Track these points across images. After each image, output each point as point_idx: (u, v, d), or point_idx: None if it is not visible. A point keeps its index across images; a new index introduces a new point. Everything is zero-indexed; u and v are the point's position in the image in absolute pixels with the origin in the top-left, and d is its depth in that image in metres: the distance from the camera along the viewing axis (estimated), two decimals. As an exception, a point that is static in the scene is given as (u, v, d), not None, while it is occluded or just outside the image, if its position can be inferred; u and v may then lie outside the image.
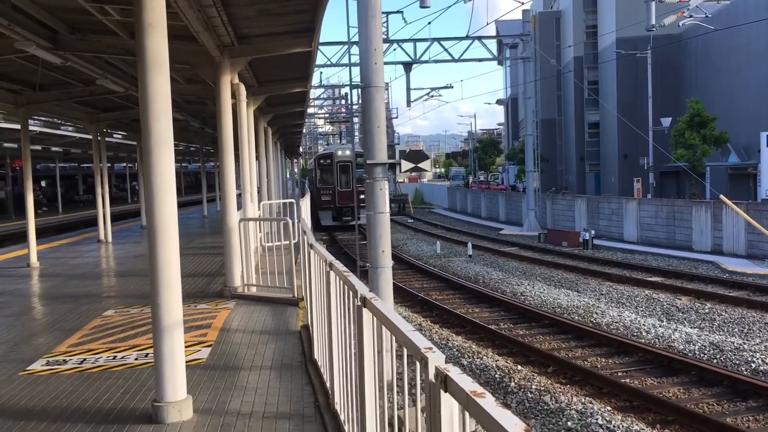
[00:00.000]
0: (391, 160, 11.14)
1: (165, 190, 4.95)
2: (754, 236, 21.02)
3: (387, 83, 43.45)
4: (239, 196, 12.84)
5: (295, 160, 68.96)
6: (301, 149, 67.13)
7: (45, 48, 9.34)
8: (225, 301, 9.86)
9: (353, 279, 3.90)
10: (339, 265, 4.55)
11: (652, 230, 26.59)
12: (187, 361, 5.46)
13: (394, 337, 2.71)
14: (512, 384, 9.96)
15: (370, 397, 3.42)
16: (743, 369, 10.50)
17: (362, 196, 29.27)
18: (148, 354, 6.90)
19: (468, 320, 14.26)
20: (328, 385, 5.38)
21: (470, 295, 17.43)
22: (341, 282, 4.33)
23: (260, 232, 14.23)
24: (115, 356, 7.10)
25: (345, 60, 30.88)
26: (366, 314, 3.33)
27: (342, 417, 4.67)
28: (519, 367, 10.90)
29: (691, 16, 19.85)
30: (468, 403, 1.85)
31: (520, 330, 13.72)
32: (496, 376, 10.41)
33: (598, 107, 59.29)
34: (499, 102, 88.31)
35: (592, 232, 27.17)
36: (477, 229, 38.44)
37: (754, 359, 10.76)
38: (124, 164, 52.16)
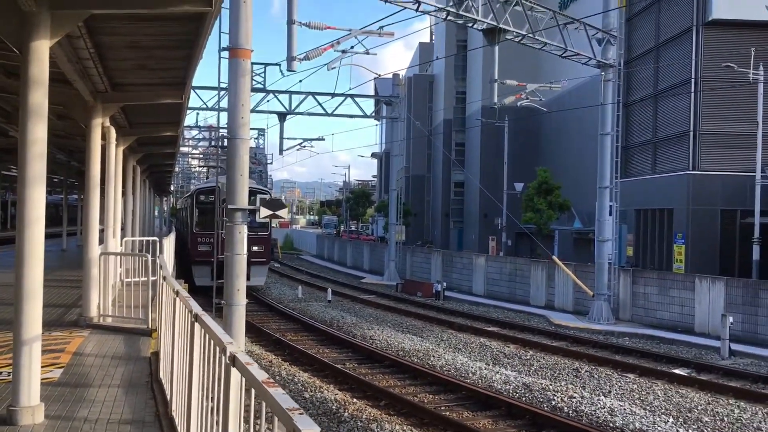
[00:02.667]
0: (251, 207, 12.04)
1: (37, 222, 5.81)
2: (579, 294, 23.65)
3: (263, 129, 44.14)
4: (102, 231, 13.35)
5: (165, 198, 67.85)
6: (172, 187, 66.17)
7: None
8: (80, 329, 10.38)
9: (190, 301, 4.93)
10: (183, 292, 5.56)
11: (497, 285, 29.00)
12: (40, 379, 6.20)
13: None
14: (346, 414, 11.09)
15: (195, 401, 4.46)
16: (545, 405, 12.22)
17: (254, 248, 23.81)
18: (2, 372, 7.45)
19: (316, 359, 15.33)
20: (168, 396, 6.29)
21: (323, 337, 18.52)
22: (184, 307, 5.35)
23: (120, 267, 14.69)
24: (-30, 373, 7.57)
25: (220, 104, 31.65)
26: (197, 328, 4.38)
27: (176, 420, 5.62)
28: (355, 400, 12.06)
29: (527, 98, 22.51)
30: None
31: (363, 369, 14.93)
32: (333, 407, 11.50)
33: (464, 167, 63.19)
34: (373, 155, 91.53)
35: (444, 284, 29.20)
36: (340, 277, 39.72)
37: (555, 398, 12.51)
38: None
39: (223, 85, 14.78)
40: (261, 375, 2.85)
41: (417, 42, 77.46)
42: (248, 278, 23.39)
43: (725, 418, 11.69)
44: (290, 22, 16.79)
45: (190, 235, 26.27)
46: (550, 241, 46.35)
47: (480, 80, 56.56)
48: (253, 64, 30.84)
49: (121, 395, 6.92)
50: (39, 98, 5.85)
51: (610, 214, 24.78)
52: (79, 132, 14.07)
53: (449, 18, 18.44)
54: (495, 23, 18.12)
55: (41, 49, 5.91)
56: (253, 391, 2.95)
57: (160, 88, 11.18)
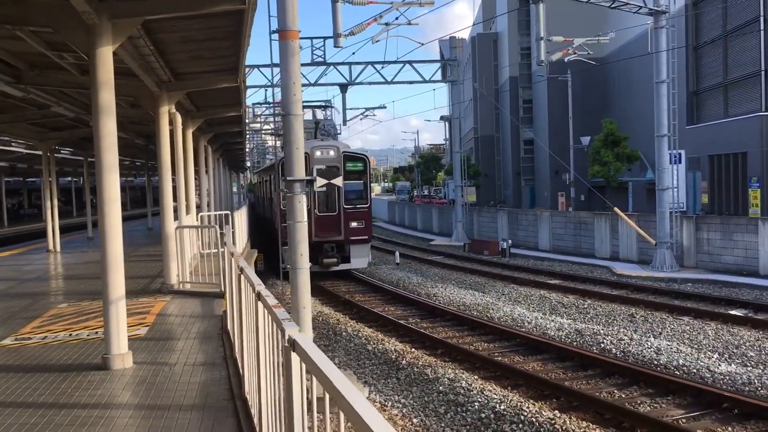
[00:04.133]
0: (309, 177, 12.94)
1: (113, 202, 6.94)
2: (644, 244, 23.77)
3: (329, 101, 45.06)
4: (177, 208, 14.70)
5: (242, 174, 70.43)
6: (248, 164, 68.50)
7: (8, 83, 11.12)
8: (163, 295, 11.72)
9: (250, 273, 5.89)
10: (247, 269, 6.57)
11: (562, 239, 29.30)
12: (129, 336, 7.41)
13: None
14: (403, 362, 12.10)
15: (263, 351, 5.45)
16: (594, 348, 12.85)
17: (353, 224, 21.86)
18: (98, 332, 8.76)
19: (381, 316, 16.38)
20: (235, 344, 7.38)
21: (389, 296, 19.56)
22: (245, 281, 6.37)
23: (198, 240, 16.09)
24: (71, 334, 8.94)
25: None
26: (259, 306, 5.36)
27: (239, 361, 6.69)
28: (413, 350, 13.04)
29: (574, 53, 22.52)
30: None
31: (424, 323, 15.89)
32: (392, 357, 12.52)
33: (533, 125, 62.67)
34: (442, 118, 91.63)
35: (509, 241, 29.74)
36: (410, 240, 40.74)
37: (605, 341, 13.12)
38: (69, 178, 52.91)
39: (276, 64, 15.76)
40: (283, 315, 3.77)
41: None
42: (347, 259, 21.90)
43: (771, 353, 12.04)
44: (334, 0, 17.59)
45: (275, 214, 22.90)
46: (623, 194, 45.86)
47: (546, 34, 55.68)
48: (312, 38, 31.94)
49: (197, 345, 8.09)
50: (107, 97, 6.93)
51: (672, 162, 24.65)
52: (151, 119, 15.43)
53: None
54: (538, -19, 18.33)
55: (106, 55, 6.97)
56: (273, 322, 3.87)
57: (216, 75, 12.24)
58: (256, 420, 5.00)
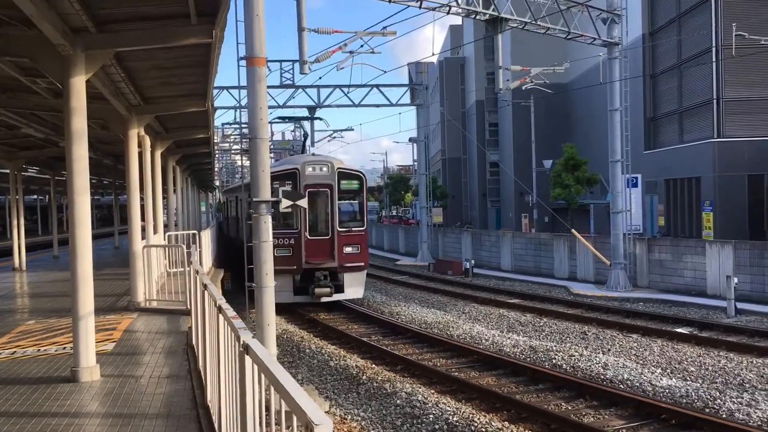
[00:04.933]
0: (274, 198, 13.27)
1: (83, 223, 7.36)
2: (600, 264, 24.62)
3: (299, 122, 45.31)
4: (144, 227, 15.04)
5: (211, 194, 70.41)
6: (218, 183, 68.55)
7: (-21, 105, 11.44)
8: (129, 313, 12.04)
9: (213, 289, 6.36)
10: (210, 285, 7.03)
11: (524, 260, 30.11)
12: (96, 351, 7.78)
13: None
14: (364, 377, 12.56)
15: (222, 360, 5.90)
16: (546, 364, 13.46)
17: (347, 249, 19.13)
18: (65, 347, 9.09)
19: (344, 333, 16.82)
20: (199, 357, 7.80)
21: (353, 315, 19.99)
22: (208, 297, 6.82)
23: (165, 259, 16.40)
24: (39, 350, 9.24)
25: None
26: (220, 319, 5.82)
27: (203, 372, 7.11)
28: (374, 366, 13.51)
29: (531, 81, 23.45)
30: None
31: (386, 340, 16.36)
32: (354, 372, 12.97)
33: (498, 147, 63.96)
34: (411, 140, 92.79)
35: (472, 261, 30.44)
36: (377, 260, 41.21)
37: (557, 357, 13.74)
38: (35, 196, 52.47)
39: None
40: (240, 324, 4.25)
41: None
42: (341, 289, 19.29)
43: (710, 368, 12.77)
44: (300, 29, 18.22)
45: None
46: (586, 216, 47.05)
47: (509, 59, 57.12)
48: (281, 61, 32.46)
49: (162, 359, 8.48)
50: (79, 123, 7.37)
51: (628, 186, 25.62)
52: (121, 140, 15.76)
53: (451, 12, 19.57)
54: (497, 14, 19.20)
55: (79, 83, 7.42)
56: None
57: (185, 99, 12.70)
58: (216, 425, 5.45)
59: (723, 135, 31.11)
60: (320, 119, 35.79)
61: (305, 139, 25.69)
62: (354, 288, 19.80)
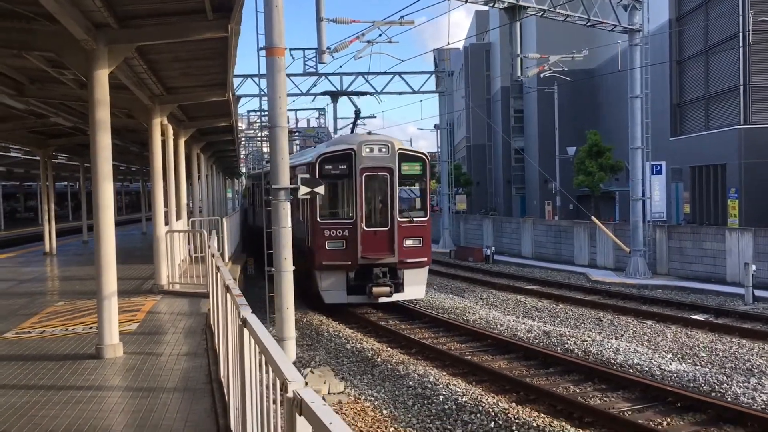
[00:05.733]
0: (293, 185, 13.52)
1: (107, 208, 7.79)
2: (620, 251, 24.67)
3: (323, 109, 45.69)
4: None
5: (237, 180, 71.24)
6: (244, 170, 69.29)
7: (10, 96, 11.94)
8: (153, 295, 12.54)
9: (224, 271, 6.74)
10: (223, 268, 7.41)
11: (544, 247, 30.23)
12: (120, 331, 8.24)
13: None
14: (378, 359, 12.92)
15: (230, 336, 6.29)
16: (558, 348, 13.69)
17: (408, 243, 16.64)
18: (92, 327, 9.56)
19: (362, 318, 17.18)
20: (215, 337, 8.21)
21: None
22: (219, 277, 7.21)
23: (190, 244, 16.91)
24: (67, 329, 9.75)
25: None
26: (227, 298, 6.19)
27: (219, 350, 7.52)
28: (389, 349, 13.86)
29: (549, 70, 23.47)
30: (320, 429, 2.08)
31: (402, 325, 16.68)
32: (369, 355, 13.34)
33: (524, 134, 63.74)
34: (436, 127, 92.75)
35: (493, 248, 30.64)
36: (400, 247, 41.57)
37: (569, 342, 13.96)
38: (66, 183, 53.72)
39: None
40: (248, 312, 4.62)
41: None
42: (400, 288, 16.87)
43: (721, 353, 12.91)
44: (318, 19, 18.50)
45: (311, 227, 17.28)
46: (611, 203, 46.81)
47: (535, 47, 56.81)
48: (304, 49, 32.78)
49: (182, 338, 8.92)
50: (103, 114, 7.78)
51: (652, 173, 25.61)
52: (146, 128, 16.25)
53: (470, 1, 19.69)
54: (515, 1, 19.28)
55: (102, 76, 7.82)
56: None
57: (206, 89, 13.10)
58: (226, 397, 5.84)
59: (749, 121, 30.79)
60: (372, 94, 32.79)
61: (356, 116, 21.57)
62: (415, 287, 17.50)
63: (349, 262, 16.71)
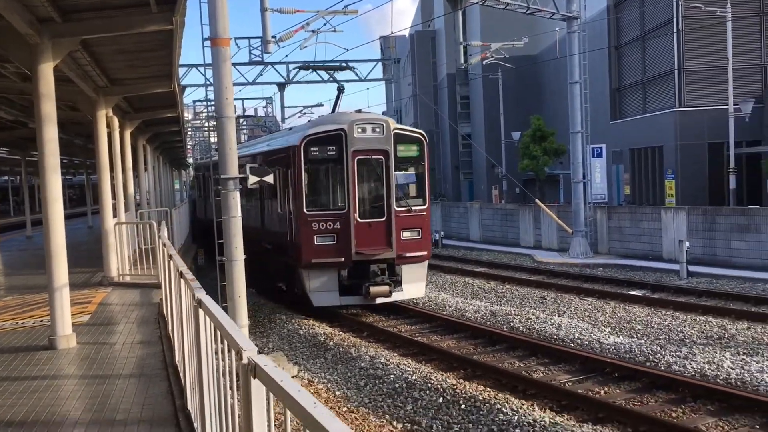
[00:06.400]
0: (242, 175, 13.60)
1: (56, 201, 7.86)
2: (563, 233, 25.48)
3: (270, 98, 45.50)
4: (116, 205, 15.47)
5: (185, 171, 70.32)
6: (191, 160, 68.35)
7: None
8: (104, 287, 12.56)
9: (177, 259, 6.92)
10: (176, 256, 7.58)
11: (491, 230, 30.96)
12: (72, 323, 8.32)
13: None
14: (331, 343, 13.22)
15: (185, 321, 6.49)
16: (504, 327, 14.23)
17: (406, 234, 14.69)
18: (42, 320, 9.60)
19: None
20: (168, 325, 8.38)
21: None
22: (173, 266, 7.38)
23: (138, 236, 16.85)
24: (17, 323, 9.76)
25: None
26: (182, 284, 6.39)
27: (172, 339, 7.70)
28: (341, 333, 14.18)
29: (492, 57, 24.04)
30: (272, 387, 2.30)
31: (354, 309, 16.94)
32: (321, 339, 13.62)
33: (470, 120, 64.53)
34: (383, 114, 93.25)
35: (442, 233, 31.20)
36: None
37: (514, 321, 14.51)
38: (6, 177, 52.25)
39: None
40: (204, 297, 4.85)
41: (418, -2, 78.19)
42: (397, 285, 14.95)
43: (656, 326, 13.64)
44: (263, 9, 18.56)
45: (296, 219, 15.29)
46: (556, 186, 47.97)
47: (479, 33, 57.55)
48: (249, 38, 32.65)
49: (135, 327, 9.06)
50: (48, 107, 7.82)
51: (593, 156, 26.45)
52: (90, 120, 16.09)
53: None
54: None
55: (47, 70, 7.86)
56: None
57: (152, 80, 13.11)
58: (182, 380, 6.05)
59: (684, 105, 31.99)
60: (351, 69, 30.79)
61: (339, 92, 18.97)
62: (415, 285, 15.67)
63: (342, 259, 14.83)
